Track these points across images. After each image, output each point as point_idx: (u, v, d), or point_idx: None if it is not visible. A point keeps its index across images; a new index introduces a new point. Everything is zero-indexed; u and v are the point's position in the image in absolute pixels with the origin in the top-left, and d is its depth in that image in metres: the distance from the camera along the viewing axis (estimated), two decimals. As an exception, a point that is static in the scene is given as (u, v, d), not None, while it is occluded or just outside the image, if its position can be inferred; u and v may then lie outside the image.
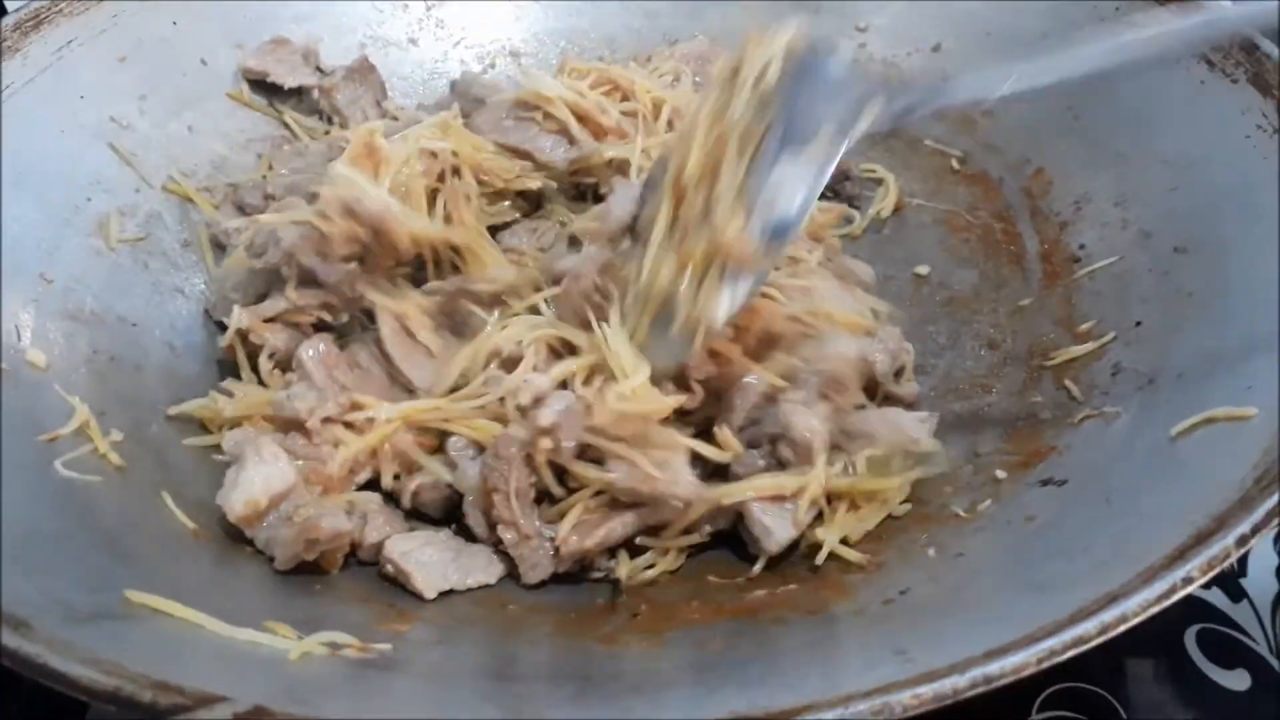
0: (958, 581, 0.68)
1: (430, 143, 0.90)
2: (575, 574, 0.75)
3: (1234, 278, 0.79)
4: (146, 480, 0.76)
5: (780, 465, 0.77)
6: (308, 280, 0.84)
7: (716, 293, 0.71)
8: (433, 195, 0.88)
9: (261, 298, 0.86)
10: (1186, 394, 0.73)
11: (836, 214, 1.04)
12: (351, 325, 0.86)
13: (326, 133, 1.05)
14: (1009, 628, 0.55)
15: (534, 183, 0.96)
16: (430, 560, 0.72)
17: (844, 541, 0.74)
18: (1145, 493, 0.67)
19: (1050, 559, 0.66)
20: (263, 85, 1.06)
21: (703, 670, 0.64)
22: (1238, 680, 0.79)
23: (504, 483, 0.72)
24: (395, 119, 1.02)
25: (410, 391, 0.82)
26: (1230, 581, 0.84)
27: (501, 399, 0.76)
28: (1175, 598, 0.55)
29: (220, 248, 0.95)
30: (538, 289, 0.84)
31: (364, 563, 0.75)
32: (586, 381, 0.75)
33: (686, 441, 0.75)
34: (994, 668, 0.52)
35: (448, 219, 0.87)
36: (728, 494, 0.74)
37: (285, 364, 0.84)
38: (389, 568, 0.72)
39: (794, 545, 0.75)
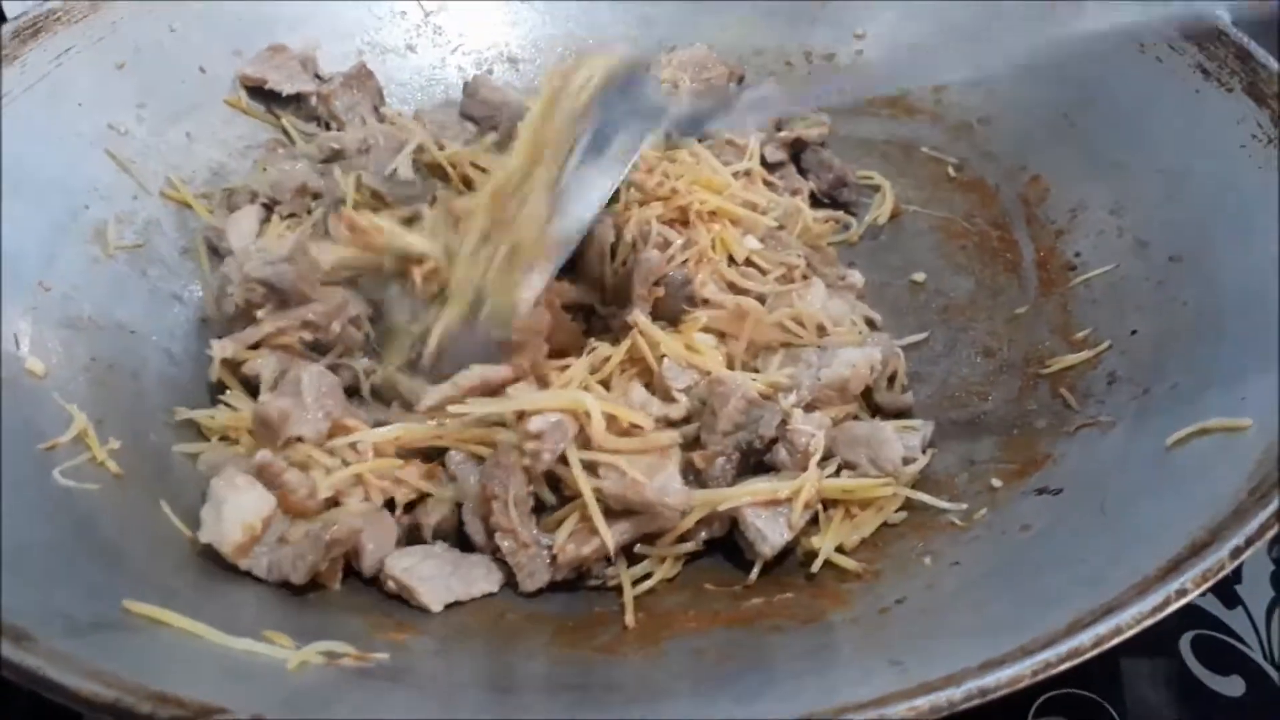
0: (953, 590, 0.68)
1: None
2: (573, 582, 0.75)
3: (1229, 287, 0.80)
4: (145, 489, 0.76)
5: (771, 470, 0.78)
6: (282, 303, 0.84)
7: (519, 280, 0.78)
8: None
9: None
10: (1182, 404, 0.74)
11: (833, 222, 1.05)
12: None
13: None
14: (1004, 639, 0.55)
15: None
16: (431, 574, 0.72)
17: (840, 550, 0.75)
18: (1140, 502, 0.68)
19: (1045, 569, 0.66)
20: (261, 92, 1.06)
21: (700, 680, 0.64)
22: (1232, 686, 0.79)
23: (503, 490, 0.72)
24: (393, 124, 1.02)
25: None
26: (1225, 588, 0.84)
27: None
28: (1169, 610, 0.55)
29: (217, 254, 0.95)
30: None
31: (359, 575, 0.75)
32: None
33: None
34: (989, 680, 0.52)
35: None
36: (722, 499, 0.74)
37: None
38: (391, 584, 0.73)
39: (790, 553, 0.76)
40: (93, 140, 0.93)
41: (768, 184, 1.03)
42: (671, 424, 0.80)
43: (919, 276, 1.00)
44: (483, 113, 1.06)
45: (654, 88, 0.86)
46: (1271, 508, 0.59)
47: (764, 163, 1.06)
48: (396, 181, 0.95)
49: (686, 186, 0.93)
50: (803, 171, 1.09)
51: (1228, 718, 0.77)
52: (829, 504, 0.77)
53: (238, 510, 0.71)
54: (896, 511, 0.78)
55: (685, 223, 0.92)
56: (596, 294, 0.88)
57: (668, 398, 0.81)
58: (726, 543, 0.77)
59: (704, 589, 0.75)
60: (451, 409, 0.76)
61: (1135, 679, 0.79)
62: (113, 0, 0.97)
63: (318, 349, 0.84)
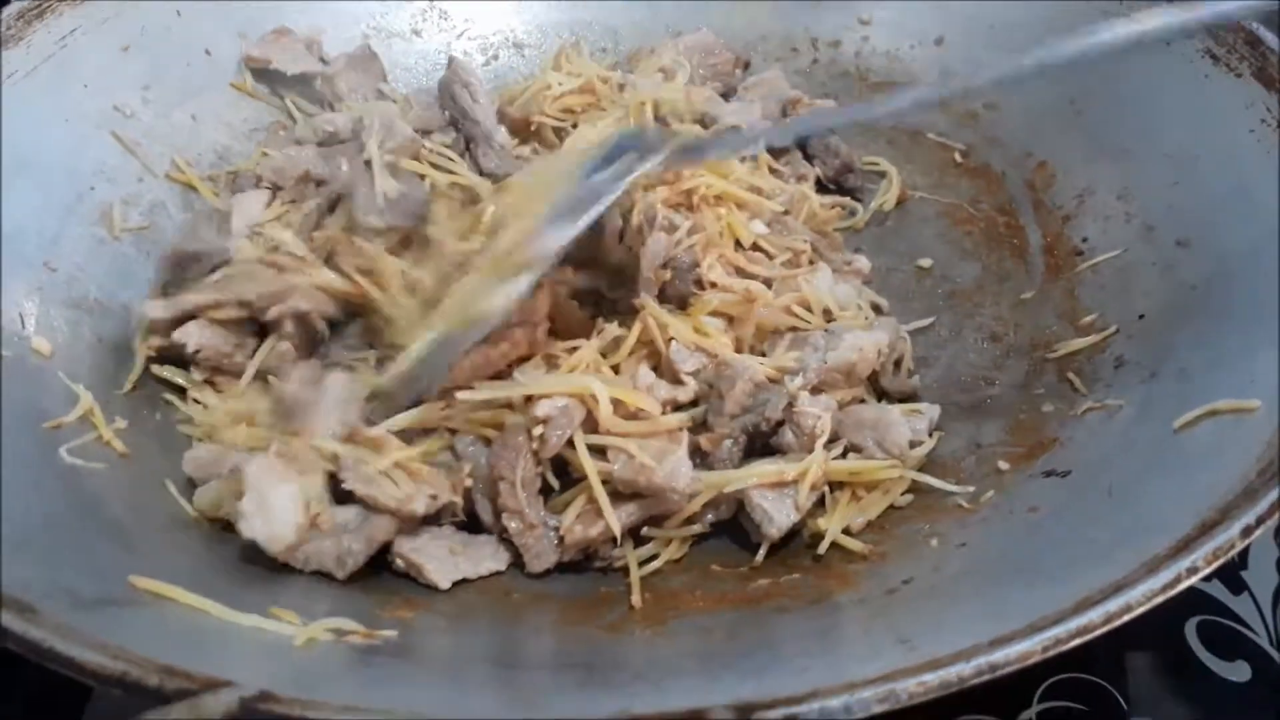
0: (961, 571, 0.68)
1: None
2: (579, 563, 0.75)
3: (1237, 271, 0.80)
4: (150, 467, 0.76)
5: (777, 452, 0.78)
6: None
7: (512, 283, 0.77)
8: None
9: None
10: (1189, 386, 0.74)
11: (839, 208, 1.04)
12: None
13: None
14: (1012, 617, 0.55)
15: None
16: (439, 553, 0.72)
17: (846, 532, 0.75)
18: (1148, 484, 0.67)
19: (1053, 549, 0.66)
20: (266, 75, 1.06)
21: (706, 658, 0.64)
22: (1238, 672, 0.79)
23: (510, 471, 0.72)
24: (395, 102, 1.02)
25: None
26: (1231, 574, 0.84)
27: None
28: (1180, 588, 0.55)
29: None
30: None
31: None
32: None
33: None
34: (999, 656, 0.52)
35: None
36: (728, 482, 0.74)
37: (216, 369, 0.83)
38: (399, 562, 0.72)
39: (796, 535, 0.76)
40: (98, 122, 0.93)
41: (772, 170, 1.03)
42: (679, 407, 0.80)
43: (925, 262, 1.00)
44: (452, 110, 1.06)
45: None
46: (1280, 487, 0.59)
47: (771, 149, 1.05)
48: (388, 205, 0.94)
49: (691, 171, 0.93)
50: (808, 157, 1.09)
51: (1233, 703, 0.77)
52: (835, 486, 0.77)
53: (289, 505, 0.69)
54: (903, 494, 0.78)
55: (691, 207, 0.92)
56: (604, 278, 0.87)
57: (676, 381, 0.81)
58: (733, 525, 0.77)
59: (711, 570, 0.75)
60: (460, 395, 0.76)
61: (1140, 664, 0.79)
62: (118, -18, 0.97)
63: (258, 331, 0.84)
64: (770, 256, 0.92)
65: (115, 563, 0.64)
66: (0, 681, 0.74)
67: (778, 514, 0.73)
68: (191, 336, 0.81)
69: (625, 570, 0.74)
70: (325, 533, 0.70)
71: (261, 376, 0.83)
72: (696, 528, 0.76)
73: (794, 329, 0.86)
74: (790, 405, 0.78)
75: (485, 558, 0.73)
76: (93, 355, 0.82)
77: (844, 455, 0.78)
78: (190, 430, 0.81)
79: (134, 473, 0.75)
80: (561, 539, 0.73)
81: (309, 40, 1.08)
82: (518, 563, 0.74)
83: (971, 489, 0.77)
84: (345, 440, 0.74)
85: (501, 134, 1.03)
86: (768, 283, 0.88)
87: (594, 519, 0.73)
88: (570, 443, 0.74)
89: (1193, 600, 0.82)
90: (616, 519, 0.72)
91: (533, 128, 1.06)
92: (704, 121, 1.05)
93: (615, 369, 0.81)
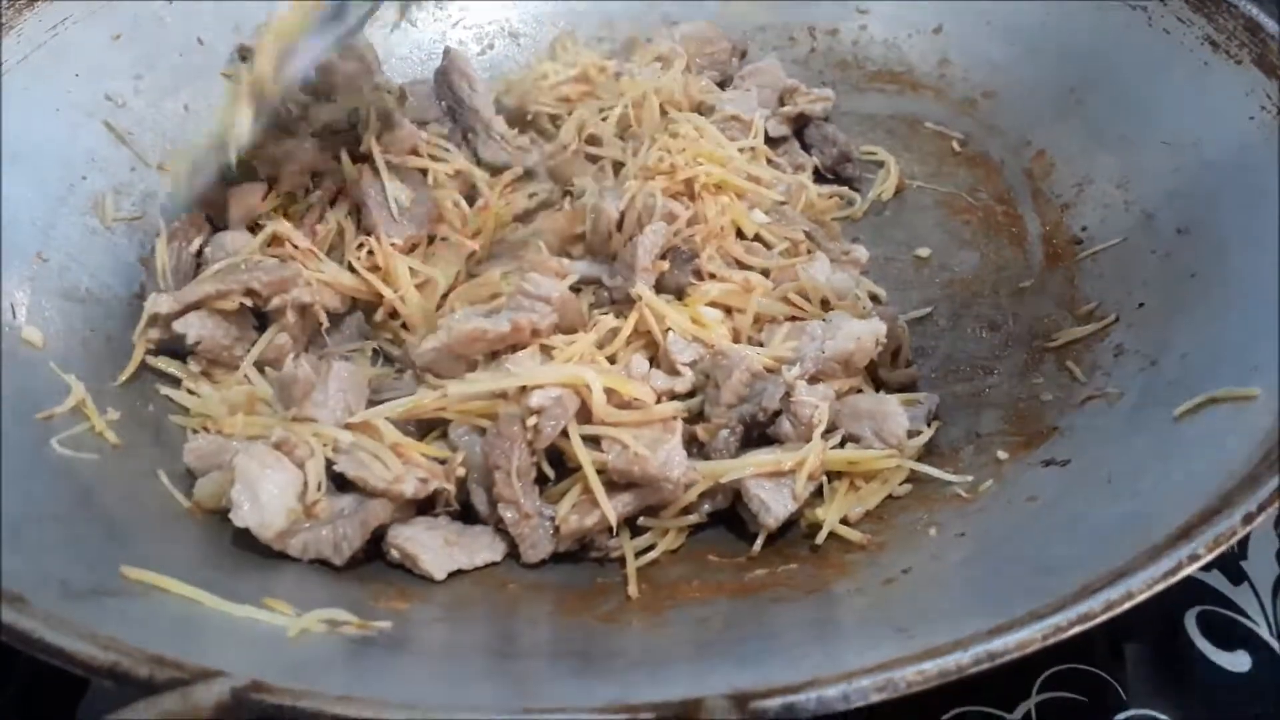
0: (959, 561, 0.68)
1: None
2: (575, 554, 0.74)
3: (1237, 259, 0.79)
4: (143, 458, 0.76)
5: (775, 442, 0.77)
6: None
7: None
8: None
9: None
10: (1190, 374, 0.73)
11: (836, 198, 1.04)
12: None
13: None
14: (1012, 606, 0.55)
15: None
16: (434, 543, 0.71)
17: (844, 521, 0.74)
18: (1148, 473, 0.67)
19: (1053, 538, 0.66)
20: (259, 64, 1.05)
21: (703, 647, 0.64)
22: (1238, 662, 0.78)
23: (505, 461, 0.71)
24: (390, 93, 1.01)
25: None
26: (1231, 564, 0.84)
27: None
28: (1181, 575, 0.55)
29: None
30: None
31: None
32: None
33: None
34: (998, 644, 0.52)
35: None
36: (725, 471, 0.74)
37: (213, 361, 0.83)
38: (394, 553, 0.72)
39: (794, 525, 0.75)
40: (90, 111, 0.92)
41: (770, 160, 1.03)
42: (676, 397, 0.79)
43: (923, 251, 1.00)
44: (449, 101, 1.06)
45: None
46: (1282, 474, 0.59)
47: (768, 138, 1.05)
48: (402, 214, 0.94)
49: (687, 161, 0.92)
50: (806, 147, 1.09)
51: (1233, 693, 0.77)
52: (833, 476, 0.76)
53: (277, 493, 0.69)
54: (901, 484, 0.77)
55: (692, 196, 0.92)
56: (603, 267, 0.87)
57: (672, 371, 0.81)
58: (730, 514, 0.77)
59: (708, 560, 0.74)
60: (453, 386, 0.76)
61: (1140, 654, 0.78)
62: (109, -30, 0.96)
63: (259, 319, 0.85)
64: (768, 246, 0.92)
65: (107, 553, 0.63)
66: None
67: (775, 504, 0.73)
68: (192, 327, 0.81)
69: (622, 560, 0.73)
70: (322, 521, 0.70)
71: (259, 369, 0.83)
72: (693, 518, 0.76)
73: (792, 318, 0.86)
74: (788, 395, 0.78)
75: (481, 548, 0.72)
76: (85, 346, 0.81)
77: (842, 445, 0.78)
78: (184, 421, 0.81)
79: (127, 464, 0.74)
80: (557, 529, 0.72)
81: (303, 29, 1.07)
82: (513, 553, 0.73)
83: (970, 478, 0.77)
84: (347, 427, 0.75)
85: (500, 124, 1.03)
86: (765, 273, 0.88)
87: (590, 509, 0.72)
88: (565, 433, 0.73)
89: (1193, 590, 0.82)
90: (612, 509, 0.72)
91: (529, 117, 1.06)
92: (701, 110, 1.04)
93: (611, 359, 0.80)
